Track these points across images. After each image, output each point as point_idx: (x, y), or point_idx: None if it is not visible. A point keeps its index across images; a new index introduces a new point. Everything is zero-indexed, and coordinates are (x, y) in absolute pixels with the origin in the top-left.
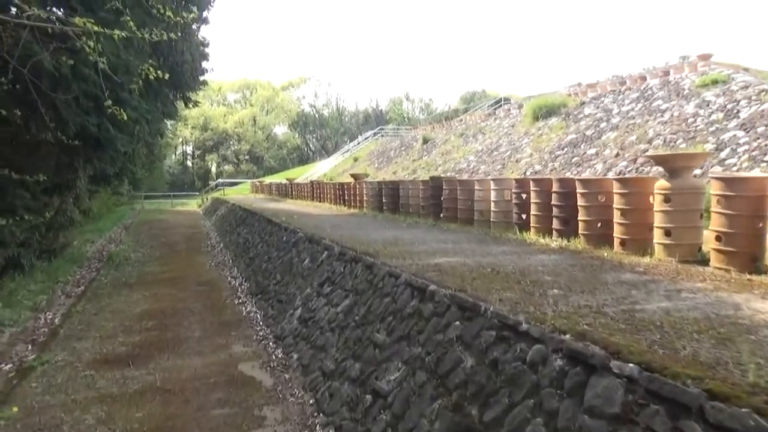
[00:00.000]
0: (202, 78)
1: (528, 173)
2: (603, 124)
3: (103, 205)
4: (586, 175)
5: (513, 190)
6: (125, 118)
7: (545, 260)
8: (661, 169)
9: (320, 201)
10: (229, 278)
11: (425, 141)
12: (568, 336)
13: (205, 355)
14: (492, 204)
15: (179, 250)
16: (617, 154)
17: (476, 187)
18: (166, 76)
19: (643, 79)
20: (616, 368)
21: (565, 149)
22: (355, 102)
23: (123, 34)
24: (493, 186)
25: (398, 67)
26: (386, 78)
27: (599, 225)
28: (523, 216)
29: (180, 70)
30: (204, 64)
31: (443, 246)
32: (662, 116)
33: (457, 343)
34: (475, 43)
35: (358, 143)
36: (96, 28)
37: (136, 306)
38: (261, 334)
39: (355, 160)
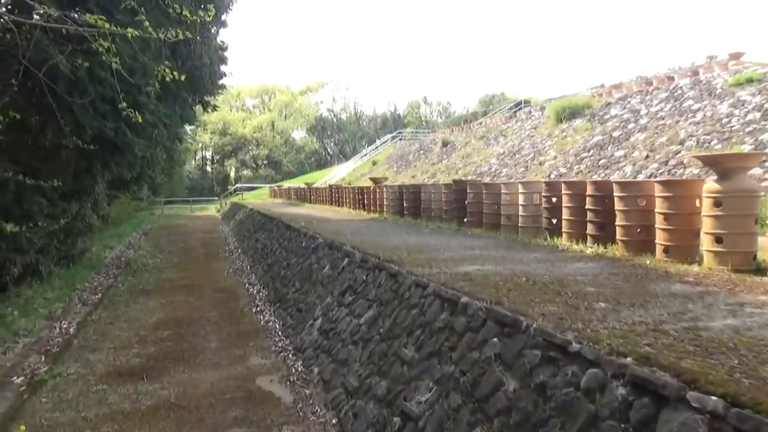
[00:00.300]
0: (220, 82)
1: (552, 176)
2: (631, 125)
3: (123, 211)
4: (615, 177)
5: (543, 194)
6: (140, 120)
7: (583, 269)
8: (696, 171)
9: (339, 205)
10: (246, 285)
11: (445, 144)
12: (629, 359)
13: (222, 368)
14: (520, 208)
15: (197, 256)
16: (647, 156)
17: (503, 191)
18: (183, 78)
19: (671, 79)
20: (695, 401)
21: (591, 151)
22: (373, 106)
23: (138, 33)
24: (521, 189)
25: (416, 70)
26: (404, 82)
27: (639, 231)
28: (554, 221)
29: (198, 74)
30: (222, 68)
31: (471, 253)
32: (694, 116)
33: (496, 363)
34: (494, 45)
35: (377, 147)
36: (111, 27)
37: (152, 315)
38: (280, 345)
39: (374, 163)
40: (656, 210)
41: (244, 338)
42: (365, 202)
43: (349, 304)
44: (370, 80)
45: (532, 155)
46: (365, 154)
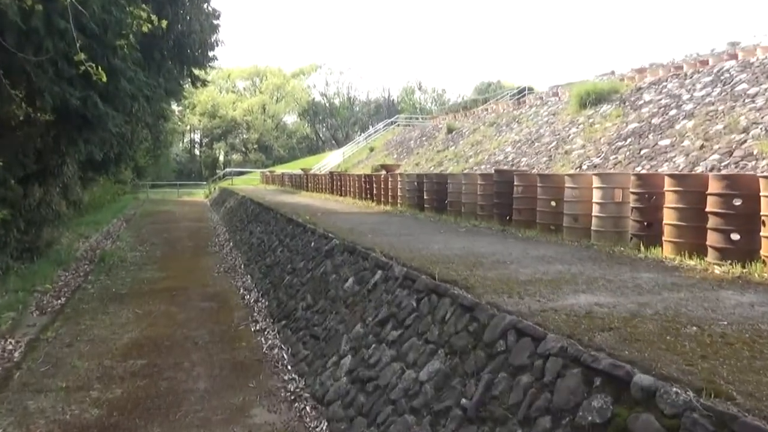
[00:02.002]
0: (211, 53)
1: (585, 167)
2: (673, 112)
3: (105, 195)
4: (664, 169)
5: (632, 190)
6: (104, 79)
7: (753, 303)
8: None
9: (341, 194)
10: (241, 290)
11: (450, 130)
12: None
13: (213, 428)
14: (594, 207)
15: (183, 249)
16: (702, 146)
17: (568, 184)
18: (165, 25)
19: (703, 63)
20: None
21: (628, 140)
22: (366, 91)
23: None
24: (597, 183)
25: (410, 56)
26: (398, 67)
27: None
28: (647, 225)
29: (186, 42)
30: (214, 37)
31: (554, 269)
32: (753, 102)
33: None
34: (488, 33)
35: (375, 132)
36: None
37: (123, 332)
38: (291, 388)
39: (371, 150)
40: None
41: (243, 374)
42: (373, 191)
43: (394, 343)
44: (364, 64)
45: (554, 143)
46: (361, 140)
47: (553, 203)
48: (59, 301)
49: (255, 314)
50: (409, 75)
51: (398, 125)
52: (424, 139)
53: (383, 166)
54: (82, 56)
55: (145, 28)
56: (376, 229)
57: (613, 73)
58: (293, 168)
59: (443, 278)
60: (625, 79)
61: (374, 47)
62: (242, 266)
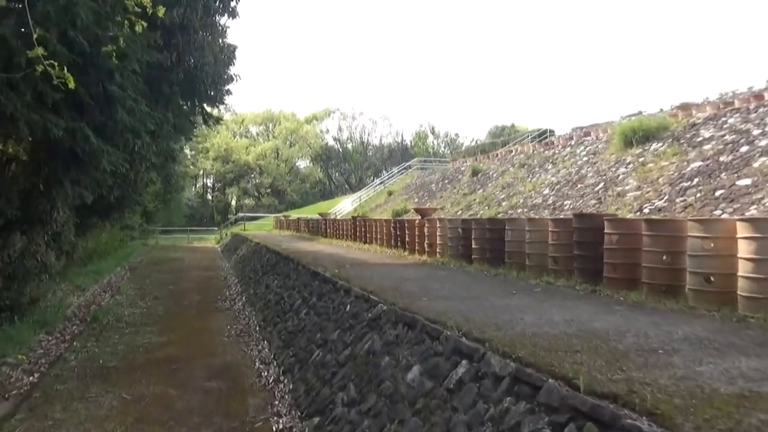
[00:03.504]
0: (226, 87)
1: (647, 210)
2: (744, 148)
3: (111, 242)
4: (753, 212)
5: None
6: (72, 85)
7: None
8: None
9: (366, 242)
10: (257, 363)
11: (475, 173)
12: None
13: None
14: (744, 265)
15: (189, 305)
16: None
17: (695, 233)
18: (162, 12)
19: (758, 98)
20: None
21: (695, 180)
22: (379, 136)
23: None
24: (748, 231)
25: (422, 102)
26: (410, 112)
27: None
28: None
29: (198, 75)
30: (229, 72)
31: (748, 368)
32: None
33: None
34: (498, 78)
35: (391, 177)
36: None
37: None
38: None
39: (390, 194)
40: None
41: None
42: (405, 239)
43: None
44: (377, 109)
45: (601, 185)
46: (380, 184)
47: (664, 257)
48: (30, 378)
49: (276, 402)
50: (422, 119)
51: (417, 168)
52: (446, 182)
53: (417, 210)
54: (40, 51)
55: (138, 28)
56: (427, 288)
57: (641, 113)
58: (307, 213)
59: (594, 390)
60: (674, 115)
61: (387, 93)
62: (257, 328)
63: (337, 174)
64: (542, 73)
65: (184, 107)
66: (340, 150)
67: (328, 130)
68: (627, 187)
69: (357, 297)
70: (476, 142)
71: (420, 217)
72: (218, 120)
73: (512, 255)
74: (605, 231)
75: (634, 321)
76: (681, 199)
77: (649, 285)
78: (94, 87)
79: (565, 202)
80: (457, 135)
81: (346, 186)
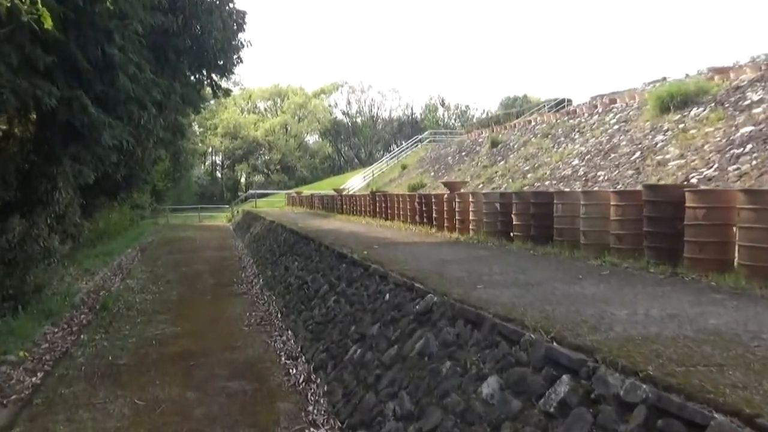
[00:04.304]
0: (236, 55)
1: (694, 180)
2: None
3: (121, 222)
4: None
5: None
6: (49, 24)
7: None
8: None
9: (387, 218)
10: (283, 357)
11: (494, 144)
12: None
13: None
14: None
15: (203, 290)
16: None
17: None
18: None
19: None
20: None
21: (748, 146)
22: (388, 109)
23: None
24: None
25: (431, 73)
26: (419, 84)
27: None
28: None
29: (206, 42)
30: (239, 38)
31: None
32: None
33: None
34: (507, 48)
35: (402, 150)
36: None
37: None
38: None
39: (404, 168)
40: None
41: None
42: (432, 215)
43: None
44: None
45: (638, 153)
46: (390, 158)
47: None
48: (33, 379)
49: (310, 408)
50: (431, 91)
51: (430, 141)
52: (464, 154)
53: (446, 184)
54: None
55: None
56: (476, 272)
57: (665, 78)
58: (318, 189)
59: None
60: (716, 78)
61: (395, 65)
62: (279, 316)
63: (346, 148)
64: (552, 42)
65: (192, 77)
66: (349, 124)
67: (336, 104)
68: (668, 156)
69: (397, 284)
70: (488, 113)
71: (448, 192)
72: (228, 92)
73: (562, 232)
74: (687, 204)
75: (755, 315)
76: (734, 167)
77: (750, 267)
78: (91, 49)
79: (599, 173)
80: (467, 107)
81: (356, 161)
